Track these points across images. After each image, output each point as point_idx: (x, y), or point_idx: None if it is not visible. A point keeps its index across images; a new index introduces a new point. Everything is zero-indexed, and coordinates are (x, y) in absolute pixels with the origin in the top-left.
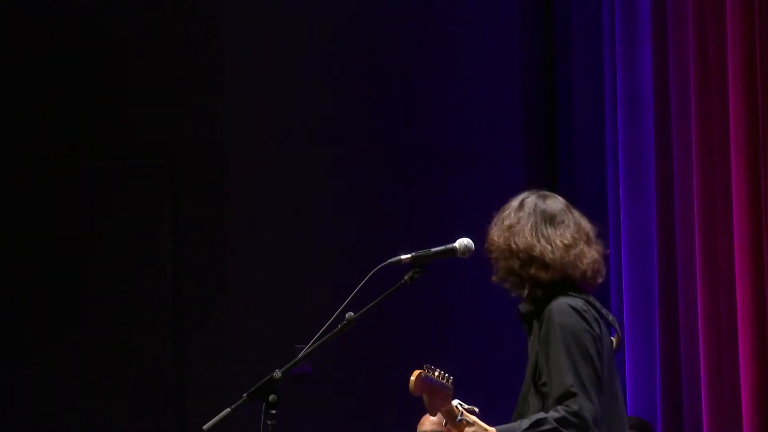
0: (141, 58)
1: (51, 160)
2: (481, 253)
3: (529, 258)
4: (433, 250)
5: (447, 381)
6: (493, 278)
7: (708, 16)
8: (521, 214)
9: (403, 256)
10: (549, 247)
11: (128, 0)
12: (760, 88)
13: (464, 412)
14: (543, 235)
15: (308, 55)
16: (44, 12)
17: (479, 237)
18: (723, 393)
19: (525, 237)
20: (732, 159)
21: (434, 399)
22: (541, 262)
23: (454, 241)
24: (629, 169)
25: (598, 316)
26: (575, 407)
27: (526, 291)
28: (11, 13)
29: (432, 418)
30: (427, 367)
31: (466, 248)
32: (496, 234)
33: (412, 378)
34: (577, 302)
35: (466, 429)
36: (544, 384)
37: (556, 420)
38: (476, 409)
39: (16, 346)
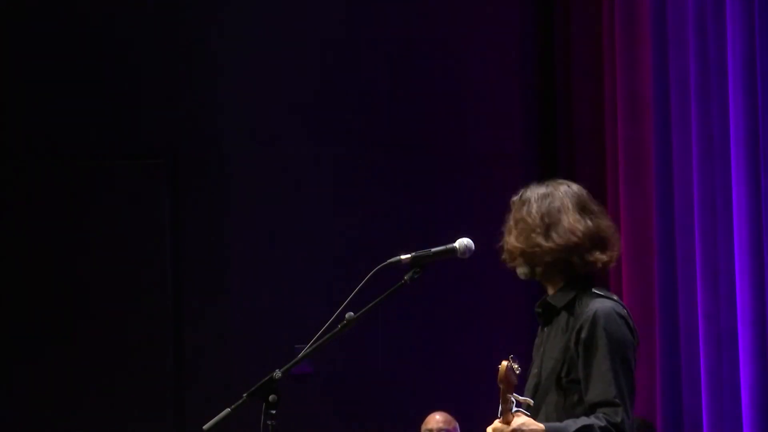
0: (141, 58)
1: (50, 160)
2: (481, 253)
3: (595, 238)
4: (433, 250)
5: (518, 372)
6: (522, 273)
7: (708, 16)
8: (558, 203)
9: (403, 256)
10: (607, 229)
11: (128, 0)
12: (760, 88)
13: (518, 404)
14: (600, 216)
15: (308, 55)
16: (45, 12)
17: (479, 236)
18: (723, 393)
19: (584, 220)
20: (732, 159)
21: (507, 390)
22: (603, 244)
23: (454, 241)
24: (629, 169)
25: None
26: (618, 419)
27: (560, 282)
28: (11, 14)
29: (437, 417)
30: (512, 358)
31: (466, 248)
32: (532, 232)
33: (502, 369)
34: (620, 308)
35: (515, 419)
36: (572, 381)
37: (601, 429)
38: (531, 402)
39: (16, 346)
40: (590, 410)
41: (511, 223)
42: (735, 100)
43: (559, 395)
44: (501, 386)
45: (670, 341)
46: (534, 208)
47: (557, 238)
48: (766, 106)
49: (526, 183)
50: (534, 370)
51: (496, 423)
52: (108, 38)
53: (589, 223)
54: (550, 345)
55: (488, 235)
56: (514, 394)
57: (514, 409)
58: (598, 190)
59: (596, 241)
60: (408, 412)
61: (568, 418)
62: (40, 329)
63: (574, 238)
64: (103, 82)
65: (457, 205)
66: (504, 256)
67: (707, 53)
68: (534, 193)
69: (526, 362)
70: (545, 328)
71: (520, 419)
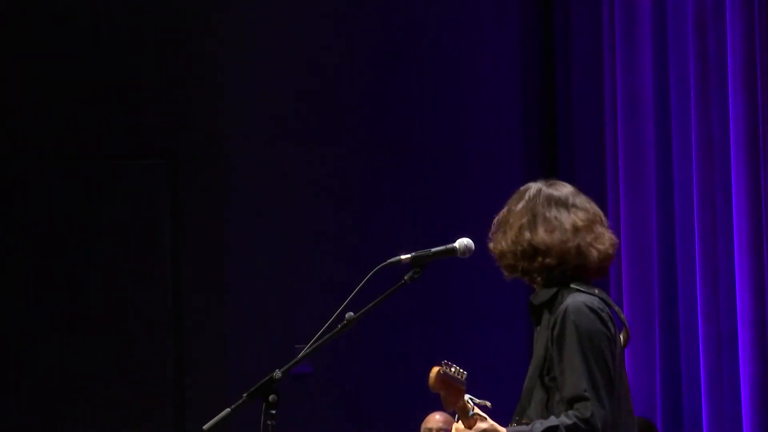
0: (141, 58)
1: (51, 160)
2: (481, 253)
3: (534, 249)
4: (433, 250)
5: (461, 377)
6: (506, 275)
7: (708, 16)
8: (522, 204)
9: (403, 256)
10: (557, 233)
11: (129, 0)
12: (760, 88)
13: (475, 407)
14: (550, 220)
15: (308, 55)
16: (45, 12)
17: (479, 236)
18: (723, 393)
19: (530, 228)
20: (732, 159)
21: (449, 395)
22: (548, 251)
23: (454, 241)
24: (629, 169)
25: (611, 314)
26: (587, 414)
27: (539, 281)
28: (12, 14)
29: (437, 417)
30: (444, 363)
31: (466, 248)
32: (501, 233)
33: (432, 375)
34: (593, 301)
35: (479, 424)
36: (553, 379)
37: (567, 428)
38: (488, 404)
39: (16, 346)
40: (568, 407)
41: (496, 224)
42: (735, 100)
43: (543, 393)
44: (441, 393)
45: (670, 341)
46: (520, 206)
47: (543, 235)
48: (766, 106)
49: (525, 183)
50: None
51: (458, 425)
52: (108, 38)
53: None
54: (537, 344)
55: (488, 235)
56: (470, 397)
57: (471, 412)
58: (598, 190)
59: (537, 251)
60: (408, 412)
61: (553, 416)
62: (40, 329)
63: (563, 243)
64: (103, 82)
65: (457, 205)
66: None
67: (707, 53)
68: (519, 195)
69: (524, 366)
70: (537, 328)
71: (482, 425)
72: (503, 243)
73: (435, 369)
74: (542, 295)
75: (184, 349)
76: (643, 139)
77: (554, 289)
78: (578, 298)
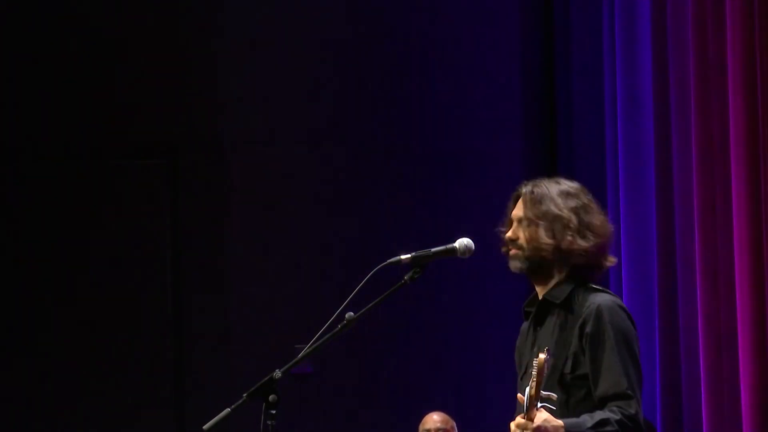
0: (141, 58)
1: (51, 160)
2: (480, 253)
3: (603, 245)
4: (433, 250)
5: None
6: (521, 269)
7: (708, 16)
8: (580, 197)
9: (403, 256)
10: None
11: (129, 0)
12: (760, 88)
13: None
14: (601, 221)
15: (308, 55)
16: (45, 12)
17: (479, 236)
18: (723, 393)
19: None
20: (732, 159)
21: (538, 382)
22: (607, 246)
23: (454, 241)
24: (629, 169)
25: None
26: (632, 411)
27: (554, 279)
28: (11, 13)
29: (434, 417)
30: (548, 350)
31: (466, 248)
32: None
33: (541, 360)
34: (620, 300)
35: (538, 415)
36: (577, 378)
37: (617, 422)
38: (554, 397)
39: (16, 346)
40: (600, 404)
41: (531, 216)
42: (735, 100)
43: (562, 393)
44: (537, 380)
45: (670, 341)
46: (561, 203)
47: (593, 238)
48: (766, 106)
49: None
50: (530, 370)
51: (519, 419)
52: (108, 38)
53: (610, 224)
54: (546, 343)
55: (488, 235)
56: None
57: (540, 404)
58: (598, 190)
59: (609, 244)
60: (407, 412)
61: (574, 415)
62: (39, 329)
63: (604, 239)
64: (104, 82)
65: (457, 205)
66: (517, 248)
67: (707, 53)
68: (551, 188)
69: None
70: (537, 328)
71: (543, 415)
72: (579, 239)
73: (543, 356)
74: (560, 292)
75: (184, 349)
76: (643, 139)
77: (570, 287)
78: (606, 298)
